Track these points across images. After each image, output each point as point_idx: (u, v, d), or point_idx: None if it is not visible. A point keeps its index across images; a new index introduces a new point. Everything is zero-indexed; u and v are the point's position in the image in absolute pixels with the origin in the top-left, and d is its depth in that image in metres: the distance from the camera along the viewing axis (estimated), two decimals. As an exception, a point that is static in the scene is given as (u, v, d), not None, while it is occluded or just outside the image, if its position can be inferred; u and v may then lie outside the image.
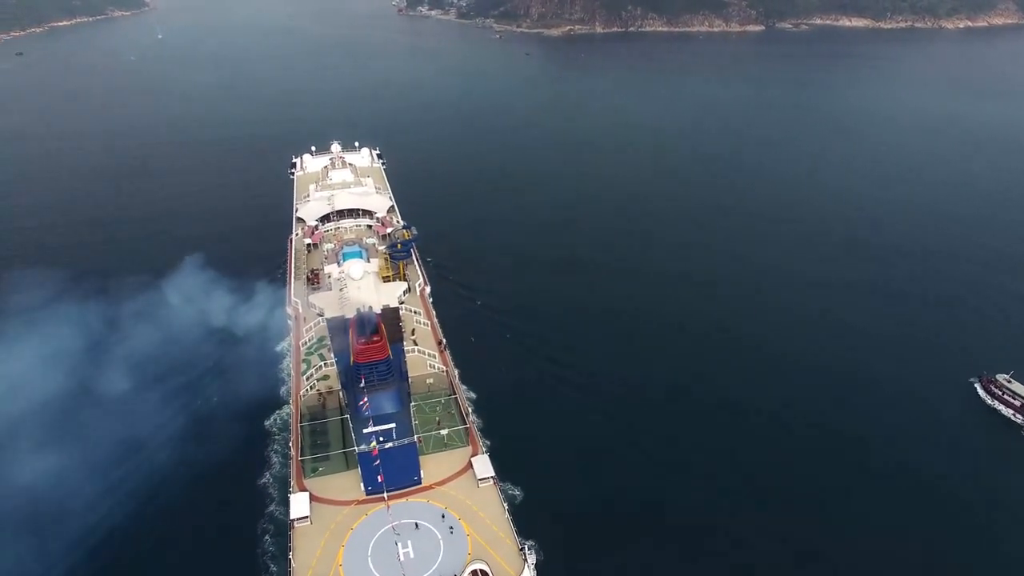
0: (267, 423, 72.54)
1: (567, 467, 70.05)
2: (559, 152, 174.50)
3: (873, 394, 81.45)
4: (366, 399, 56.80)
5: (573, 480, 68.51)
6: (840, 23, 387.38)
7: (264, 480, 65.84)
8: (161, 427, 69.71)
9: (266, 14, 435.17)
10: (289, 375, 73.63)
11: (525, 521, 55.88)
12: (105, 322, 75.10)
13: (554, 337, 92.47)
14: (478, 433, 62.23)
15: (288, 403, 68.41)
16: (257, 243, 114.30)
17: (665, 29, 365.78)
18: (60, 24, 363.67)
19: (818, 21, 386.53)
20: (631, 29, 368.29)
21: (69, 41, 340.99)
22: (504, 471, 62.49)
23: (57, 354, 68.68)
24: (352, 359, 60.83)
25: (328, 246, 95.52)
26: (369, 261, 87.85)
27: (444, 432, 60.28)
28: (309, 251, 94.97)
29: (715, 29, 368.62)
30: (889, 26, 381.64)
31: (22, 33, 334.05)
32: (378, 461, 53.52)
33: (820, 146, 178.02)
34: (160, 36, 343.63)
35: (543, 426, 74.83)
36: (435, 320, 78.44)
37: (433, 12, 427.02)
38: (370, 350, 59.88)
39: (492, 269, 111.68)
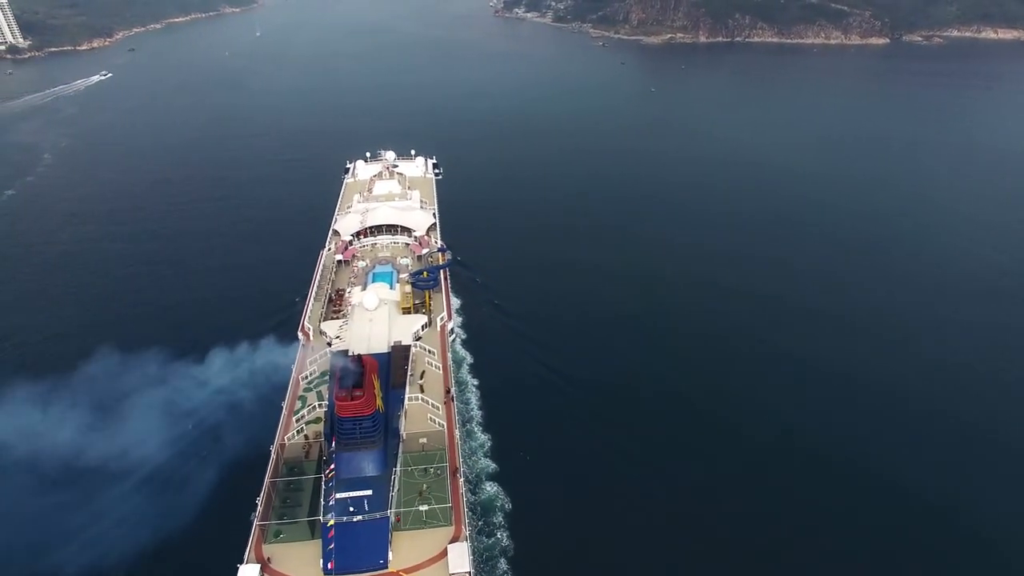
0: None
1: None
2: (644, 176, 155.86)
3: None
4: (332, 466, 49.23)
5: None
6: (982, 35, 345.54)
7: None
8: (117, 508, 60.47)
9: (366, 12, 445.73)
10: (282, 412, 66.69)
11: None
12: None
13: (631, 409, 76.31)
14: (466, 512, 53.16)
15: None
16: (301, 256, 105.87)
17: (775, 40, 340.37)
18: (176, 21, 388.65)
19: (955, 33, 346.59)
20: (737, 40, 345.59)
21: (178, 38, 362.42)
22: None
23: None
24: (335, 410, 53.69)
25: (360, 264, 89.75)
26: (395, 286, 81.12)
27: (424, 508, 51.73)
28: (339, 268, 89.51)
29: (832, 42, 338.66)
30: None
31: (142, 29, 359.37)
32: (332, 545, 45.90)
33: (961, 180, 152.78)
34: (258, 34, 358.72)
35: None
36: (449, 363, 70.20)
37: (529, 15, 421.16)
38: (353, 405, 52.34)
39: (556, 307, 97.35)
